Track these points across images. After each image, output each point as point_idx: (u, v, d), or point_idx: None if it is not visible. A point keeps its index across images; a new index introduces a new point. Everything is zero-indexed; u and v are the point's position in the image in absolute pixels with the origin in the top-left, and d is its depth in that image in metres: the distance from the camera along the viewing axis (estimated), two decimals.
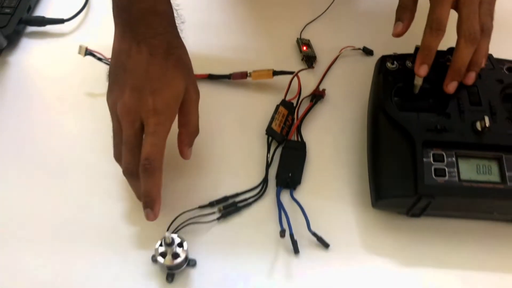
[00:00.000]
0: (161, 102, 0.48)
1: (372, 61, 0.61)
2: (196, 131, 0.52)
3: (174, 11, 0.53)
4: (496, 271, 0.50)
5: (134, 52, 0.49)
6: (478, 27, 0.51)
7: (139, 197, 0.51)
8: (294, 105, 0.60)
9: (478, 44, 0.51)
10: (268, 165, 0.56)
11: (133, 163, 0.48)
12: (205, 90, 0.61)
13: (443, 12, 0.50)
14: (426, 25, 0.51)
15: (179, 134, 0.51)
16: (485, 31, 0.52)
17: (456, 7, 0.52)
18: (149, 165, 0.46)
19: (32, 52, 0.66)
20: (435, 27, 0.50)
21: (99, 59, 0.61)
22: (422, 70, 0.52)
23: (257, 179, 0.55)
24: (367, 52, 0.66)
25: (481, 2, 0.52)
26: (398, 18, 0.56)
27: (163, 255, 0.47)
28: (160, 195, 0.48)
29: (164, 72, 0.49)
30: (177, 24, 0.53)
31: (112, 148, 0.51)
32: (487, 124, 0.49)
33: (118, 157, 0.51)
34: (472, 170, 0.49)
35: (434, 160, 0.49)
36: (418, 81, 0.53)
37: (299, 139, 0.58)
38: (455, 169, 0.49)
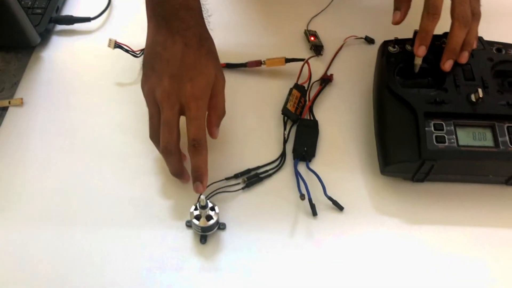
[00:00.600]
0: (198, 88, 0.53)
1: (373, 49, 0.68)
2: (223, 113, 0.58)
3: (202, 5, 0.58)
4: (492, 227, 0.56)
5: (169, 43, 0.54)
6: (470, 11, 0.57)
7: (173, 172, 0.57)
8: (306, 88, 0.66)
9: (470, 27, 0.58)
10: (285, 141, 0.62)
11: (172, 142, 0.54)
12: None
13: None
14: (423, 10, 0.58)
15: (208, 116, 0.56)
16: (475, 15, 0.58)
17: None
18: (198, 144, 0.53)
19: (62, 48, 0.72)
20: (431, 11, 0.57)
21: (127, 51, 0.67)
22: (420, 51, 0.58)
23: (276, 153, 0.61)
24: (369, 40, 0.73)
25: None
26: (396, 8, 0.62)
27: (198, 218, 0.53)
28: (207, 170, 0.54)
29: (198, 61, 0.54)
30: (204, 18, 0.58)
31: (144, 130, 0.57)
32: (481, 95, 0.55)
33: (154, 137, 0.56)
34: (468, 137, 0.55)
35: (435, 129, 0.56)
36: (418, 61, 0.59)
37: (312, 117, 0.64)
38: (454, 136, 0.55)
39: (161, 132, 0.54)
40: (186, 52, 0.54)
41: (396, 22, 0.62)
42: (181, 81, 0.53)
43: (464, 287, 0.52)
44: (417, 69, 0.60)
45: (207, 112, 0.56)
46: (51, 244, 0.54)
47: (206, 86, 0.54)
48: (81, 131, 0.63)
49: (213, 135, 0.57)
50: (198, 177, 0.54)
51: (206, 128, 0.56)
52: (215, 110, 0.57)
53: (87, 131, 0.63)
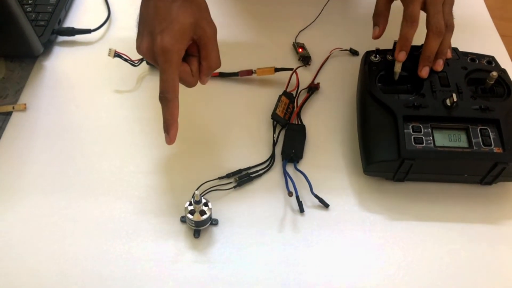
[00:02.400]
0: (168, 39, 0.53)
1: (357, 60, 0.72)
2: (216, 64, 0.58)
3: None
4: (467, 223, 0.60)
5: (144, 2, 0.56)
6: (443, 22, 0.62)
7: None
8: (294, 95, 0.70)
9: (443, 37, 0.62)
10: (274, 144, 0.66)
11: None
12: (218, 86, 0.72)
13: (415, 8, 0.62)
14: (403, 19, 0.62)
15: (201, 66, 0.57)
16: (449, 26, 0.63)
17: (424, 8, 0.63)
18: (164, 97, 0.54)
19: (63, 58, 0.76)
20: (409, 19, 0.62)
21: (126, 60, 0.71)
22: (401, 56, 0.63)
23: (265, 155, 0.65)
24: (353, 52, 0.78)
25: (444, 3, 0.63)
26: (375, 24, 0.67)
27: (192, 212, 0.56)
28: (175, 122, 0.55)
29: (168, 12, 0.54)
30: None
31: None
32: (455, 100, 0.59)
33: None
34: (445, 138, 0.60)
35: (413, 131, 0.60)
36: (398, 68, 0.64)
37: (299, 122, 0.68)
38: (431, 138, 0.59)
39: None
40: (158, 5, 0.55)
41: (376, 37, 0.66)
42: (153, 35, 0.54)
43: (442, 279, 0.56)
44: (396, 76, 0.64)
45: (196, 61, 0.57)
46: (51, 242, 0.57)
47: (178, 34, 0.54)
48: (81, 135, 0.66)
49: (202, 82, 0.59)
50: (165, 129, 0.56)
51: (198, 77, 0.58)
52: (206, 61, 0.57)
53: (87, 134, 0.67)
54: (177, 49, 0.54)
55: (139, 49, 0.56)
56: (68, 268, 0.55)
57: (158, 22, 0.54)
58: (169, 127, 0.55)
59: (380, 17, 0.66)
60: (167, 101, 0.54)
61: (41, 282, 0.54)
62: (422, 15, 0.62)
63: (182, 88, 0.69)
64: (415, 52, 0.65)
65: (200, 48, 0.57)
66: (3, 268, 0.55)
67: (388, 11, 0.66)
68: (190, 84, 0.58)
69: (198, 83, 0.59)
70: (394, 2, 0.65)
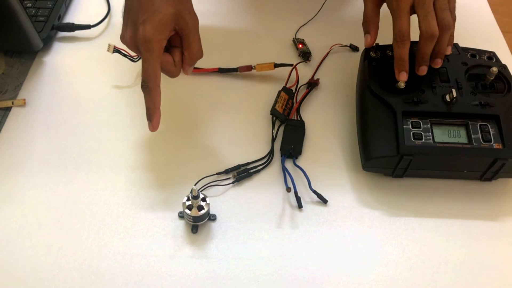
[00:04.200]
0: (149, 29, 0.55)
1: (357, 56, 0.72)
2: (197, 54, 0.60)
3: None
4: (466, 219, 0.60)
5: None
6: (435, 23, 0.59)
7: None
8: (293, 91, 0.70)
9: (439, 37, 0.60)
10: (273, 140, 0.65)
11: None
12: (216, 82, 0.72)
13: (403, 23, 0.60)
14: (393, 39, 0.61)
15: (183, 56, 0.59)
16: (445, 26, 0.59)
17: (414, 12, 0.61)
18: (145, 85, 0.56)
19: (63, 53, 0.76)
20: (400, 39, 0.60)
21: (125, 55, 0.71)
22: (401, 77, 0.61)
23: (264, 151, 0.65)
24: (353, 48, 0.77)
25: (435, 0, 0.60)
26: (365, 31, 0.65)
27: (189, 208, 0.56)
28: (157, 110, 0.57)
29: (152, 2, 0.56)
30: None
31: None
32: (454, 95, 0.59)
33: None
34: (444, 134, 0.59)
35: (412, 127, 0.59)
36: (401, 85, 0.61)
37: (299, 118, 0.68)
38: (430, 134, 0.59)
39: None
40: None
41: (368, 45, 0.65)
42: (136, 26, 0.56)
43: (441, 276, 0.55)
44: (401, 86, 0.62)
45: (179, 52, 0.59)
46: (49, 237, 0.57)
47: (159, 25, 0.55)
48: (80, 129, 0.66)
49: (185, 72, 0.61)
50: (148, 117, 0.57)
51: (181, 67, 0.60)
52: (188, 51, 0.59)
53: (86, 129, 0.66)
54: (158, 39, 0.55)
55: (123, 38, 0.59)
56: (66, 262, 0.55)
57: (141, 13, 0.55)
58: (152, 115, 0.57)
59: (370, 24, 0.64)
60: (149, 89, 0.56)
61: (39, 277, 0.54)
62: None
63: (181, 84, 0.70)
64: (415, 48, 0.65)
65: (182, 38, 0.58)
66: (1, 262, 0.55)
67: (378, 16, 0.64)
68: (172, 74, 0.59)
69: (182, 74, 0.60)
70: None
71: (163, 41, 0.56)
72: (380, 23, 0.65)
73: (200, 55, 0.60)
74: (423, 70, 0.62)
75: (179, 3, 0.57)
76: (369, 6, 0.64)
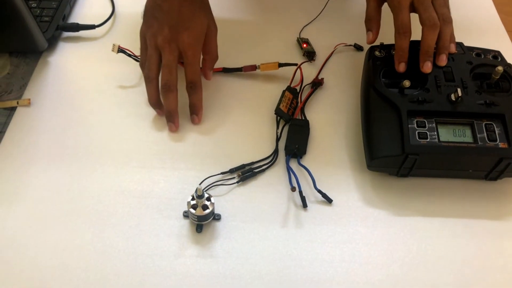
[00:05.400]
0: (193, 37, 0.63)
1: (362, 55, 0.72)
2: (216, 57, 0.69)
3: None
4: (472, 218, 0.59)
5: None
6: (435, 15, 0.61)
7: (168, 108, 0.65)
8: (298, 90, 0.70)
9: (441, 30, 0.61)
10: (278, 139, 0.65)
11: (171, 80, 0.64)
12: (221, 81, 0.72)
13: (405, 16, 0.61)
14: (395, 31, 0.62)
15: (203, 60, 0.68)
16: (445, 20, 0.62)
17: (414, 9, 0.62)
18: (194, 85, 0.64)
19: (68, 53, 0.76)
20: (401, 30, 0.61)
21: (129, 55, 0.71)
22: (401, 67, 0.63)
23: (269, 150, 0.65)
24: (358, 47, 0.77)
25: None
26: (368, 29, 0.67)
27: (194, 207, 0.56)
28: (202, 106, 0.66)
29: (193, 13, 0.64)
30: None
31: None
32: (460, 94, 0.59)
33: (143, 66, 0.67)
34: (449, 133, 0.59)
35: (417, 126, 0.59)
36: (406, 84, 0.61)
37: (303, 117, 0.68)
38: (435, 133, 0.59)
39: (161, 72, 0.64)
40: (183, 4, 0.64)
41: (370, 42, 0.67)
42: (179, 30, 0.63)
43: (446, 275, 0.55)
44: (406, 85, 0.62)
45: (202, 57, 0.66)
46: (54, 237, 0.57)
47: (200, 34, 0.65)
48: (85, 129, 0.67)
49: (207, 76, 0.69)
50: (194, 111, 0.66)
51: (202, 71, 0.68)
52: (209, 55, 0.68)
53: (91, 129, 0.67)
54: (199, 46, 0.65)
55: (155, 34, 0.63)
56: (71, 262, 0.55)
57: (182, 20, 0.63)
58: (198, 110, 0.66)
59: (372, 22, 0.66)
60: (197, 88, 0.65)
61: (44, 276, 0.54)
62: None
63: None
64: (419, 47, 0.65)
65: (204, 43, 0.66)
66: (6, 262, 0.55)
67: (379, 14, 0.66)
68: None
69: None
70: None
71: (201, 48, 0.66)
72: (382, 23, 0.66)
73: (217, 58, 0.69)
74: (427, 67, 0.62)
75: (209, 13, 0.67)
76: (371, 4, 0.66)
